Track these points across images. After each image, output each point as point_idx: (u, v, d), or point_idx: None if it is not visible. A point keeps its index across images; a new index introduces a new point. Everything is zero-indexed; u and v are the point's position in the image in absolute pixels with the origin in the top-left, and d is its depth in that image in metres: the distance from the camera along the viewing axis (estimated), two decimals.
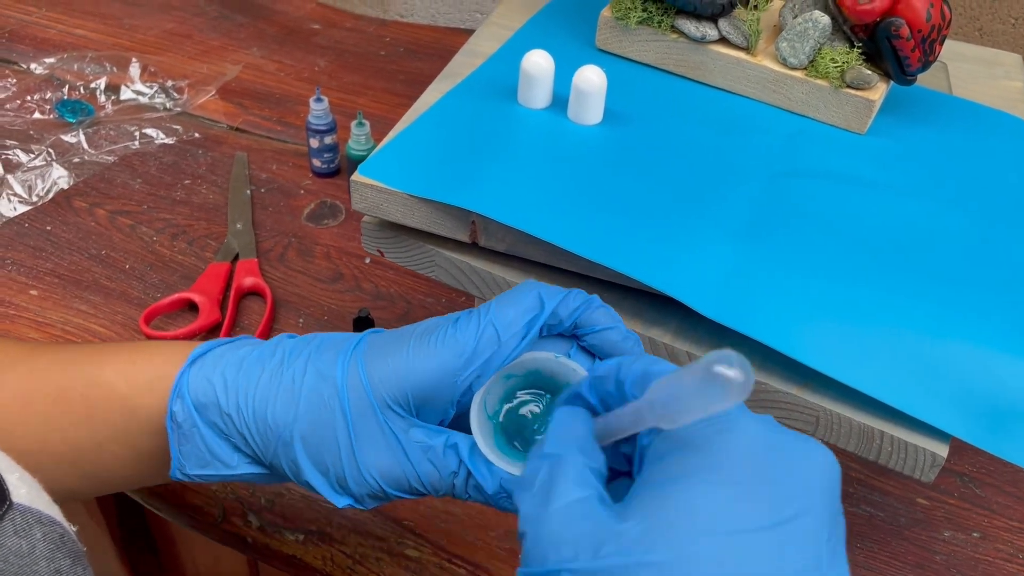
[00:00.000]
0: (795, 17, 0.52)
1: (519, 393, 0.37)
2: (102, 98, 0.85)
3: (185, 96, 0.86)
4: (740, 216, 0.46)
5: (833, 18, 0.51)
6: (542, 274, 0.47)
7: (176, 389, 0.38)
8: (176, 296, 0.63)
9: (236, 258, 0.68)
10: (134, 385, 0.40)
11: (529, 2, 0.64)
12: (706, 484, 0.27)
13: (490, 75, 0.55)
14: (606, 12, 0.57)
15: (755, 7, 0.52)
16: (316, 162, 0.77)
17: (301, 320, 0.64)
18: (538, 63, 0.51)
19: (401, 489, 0.37)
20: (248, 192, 0.74)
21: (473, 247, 0.48)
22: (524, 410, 0.37)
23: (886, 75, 0.52)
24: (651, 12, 0.55)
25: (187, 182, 0.76)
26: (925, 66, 0.51)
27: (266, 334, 0.62)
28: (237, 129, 0.83)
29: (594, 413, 0.33)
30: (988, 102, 0.57)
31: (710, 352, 0.26)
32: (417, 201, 0.47)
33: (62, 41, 0.95)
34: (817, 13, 0.51)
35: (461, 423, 0.37)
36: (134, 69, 0.88)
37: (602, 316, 0.37)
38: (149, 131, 0.80)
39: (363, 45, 0.99)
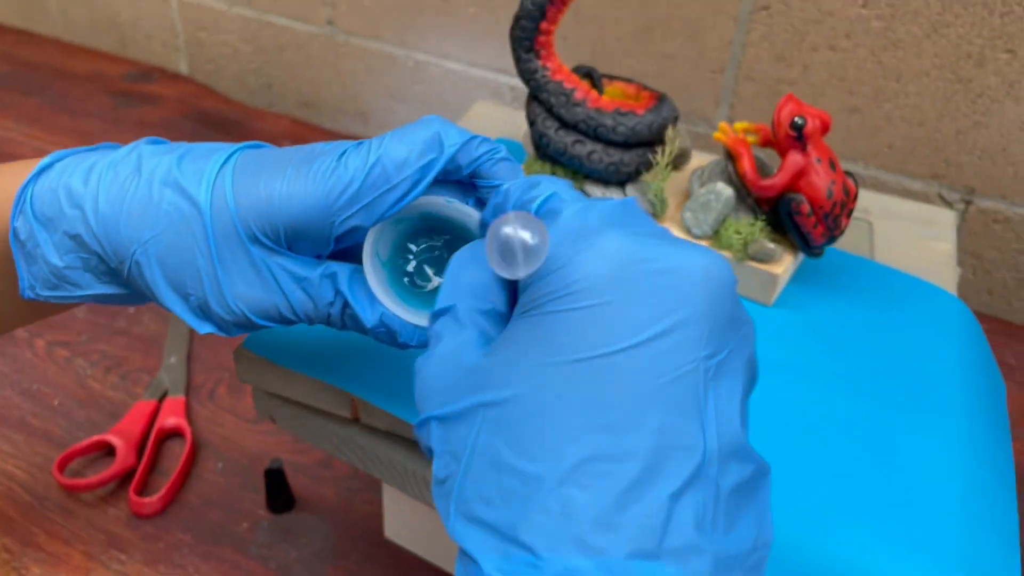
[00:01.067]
0: (701, 187, 0.51)
1: (411, 245, 0.35)
2: None
3: None
4: None
5: (737, 190, 0.50)
6: None
7: (18, 203, 0.35)
8: (93, 439, 0.62)
9: (164, 395, 0.67)
10: None
11: None
12: (554, 313, 0.25)
13: None
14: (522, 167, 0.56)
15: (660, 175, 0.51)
16: None
17: (220, 464, 0.63)
18: None
19: (270, 318, 0.34)
20: None
21: (357, 422, 0.47)
22: (413, 264, 0.35)
23: (793, 247, 0.51)
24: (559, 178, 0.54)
25: (131, 311, 0.76)
26: (831, 240, 0.49)
27: (181, 481, 0.61)
28: None
29: None
30: (914, 266, 0.55)
31: (508, 213, 0.24)
32: (299, 376, 0.46)
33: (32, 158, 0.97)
34: (720, 185, 0.50)
35: (337, 257, 0.35)
36: None
37: (505, 169, 0.34)
38: None
39: None
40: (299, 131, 1.07)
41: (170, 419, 0.65)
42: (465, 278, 0.29)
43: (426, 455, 0.28)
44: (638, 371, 0.23)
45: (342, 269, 0.34)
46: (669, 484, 0.23)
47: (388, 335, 0.35)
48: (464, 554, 0.25)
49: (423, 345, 0.35)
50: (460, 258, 0.30)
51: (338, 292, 0.34)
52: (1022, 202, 0.80)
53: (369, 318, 0.34)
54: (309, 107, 1.11)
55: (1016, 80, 0.76)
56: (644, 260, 0.25)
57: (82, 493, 0.60)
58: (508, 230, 0.24)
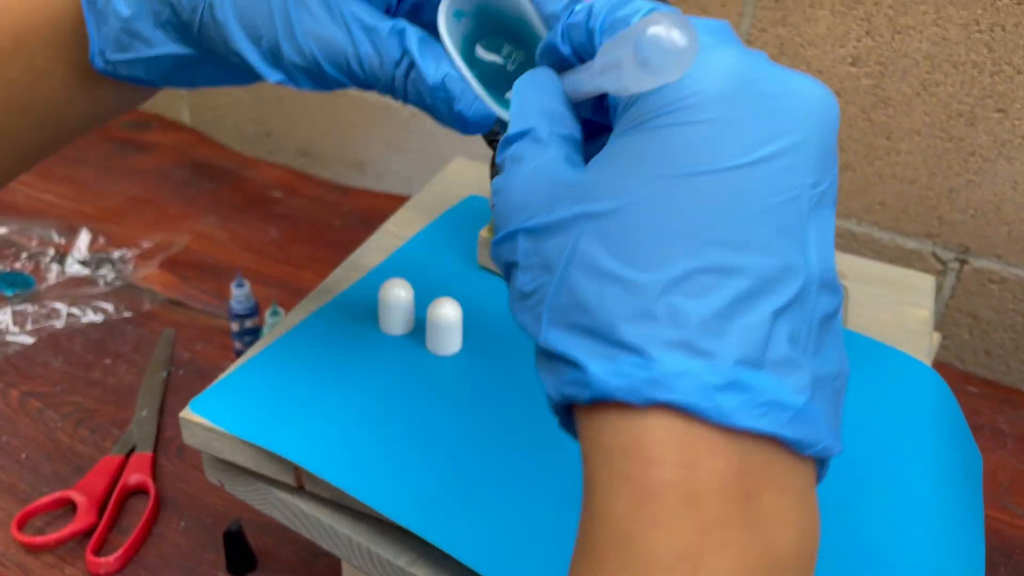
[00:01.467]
0: None
1: (479, 51, 0.35)
2: (53, 268, 0.86)
3: (130, 267, 0.87)
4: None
5: None
6: (372, 525, 0.44)
7: None
8: (55, 496, 0.61)
9: (133, 450, 0.66)
10: None
11: (428, 209, 0.63)
12: (667, 126, 0.24)
13: (359, 295, 0.54)
14: (484, 232, 0.56)
15: None
16: (237, 344, 0.76)
17: (183, 523, 0.62)
18: (396, 295, 0.50)
19: (339, 68, 0.34)
20: (164, 374, 0.74)
21: (302, 490, 0.46)
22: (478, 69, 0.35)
23: None
24: None
25: (108, 361, 0.76)
26: None
27: (141, 540, 0.60)
28: (173, 302, 0.83)
29: (570, 66, 0.29)
30: (889, 333, 0.53)
31: (655, 12, 0.23)
32: (244, 442, 0.45)
33: (26, 206, 0.98)
34: None
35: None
36: (83, 239, 0.89)
37: None
38: (75, 310, 0.80)
39: (319, 214, 1.00)
40: (293, 181, 1.08)
41: (135, 476, 0.64)
42: (534, 105, 0.29)
43: (503, 275, 0.28)
44: (750, 190, 0.23)
45: (412, 28, 0.34)
46: (774, 301, 0.23)
47: (446, 101, 0.34)
48: (557, 362, 0.25)
49: (479, 119, 0.34)
50: (525, 85, 0.29)
51: (405, 52, 0.34)
52: (1016, 262, 0.78)
53: (432, 75, 0.33)
54: (307, 156, 1.12)
55: (1008, 139, 0.74)
56: (758, 80, 0.24)
57: (40, 551, 0.59)
58: (659, 29, 0.22)
